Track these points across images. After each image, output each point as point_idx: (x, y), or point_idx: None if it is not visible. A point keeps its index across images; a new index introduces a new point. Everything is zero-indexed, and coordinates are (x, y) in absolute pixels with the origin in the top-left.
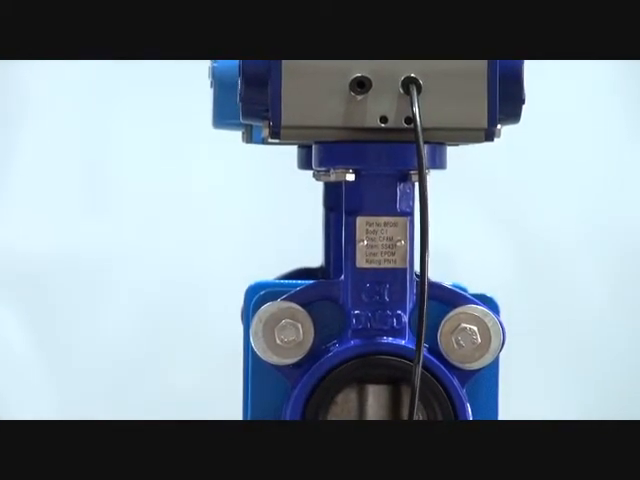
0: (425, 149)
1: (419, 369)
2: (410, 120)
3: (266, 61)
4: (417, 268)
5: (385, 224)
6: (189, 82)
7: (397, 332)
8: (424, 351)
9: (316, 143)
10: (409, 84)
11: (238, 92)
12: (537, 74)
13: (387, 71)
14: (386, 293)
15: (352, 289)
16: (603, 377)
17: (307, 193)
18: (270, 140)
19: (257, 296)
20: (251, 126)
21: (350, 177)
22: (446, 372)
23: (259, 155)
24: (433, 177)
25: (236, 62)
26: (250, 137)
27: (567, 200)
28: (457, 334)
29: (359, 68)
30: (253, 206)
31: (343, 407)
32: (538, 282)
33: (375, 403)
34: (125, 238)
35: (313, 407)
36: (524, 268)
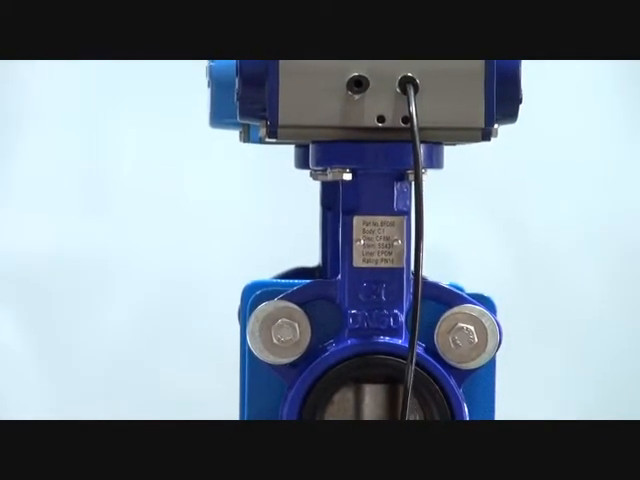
0: (422, 148)
1: (412, 368)
2: (407, 119)
3: (264, 61)
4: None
5: (382, 223)
6: (187, 82)
7: (394, 331)
8: (421, 351)
9: (313, 142)
10: (406, 84)
11: (235, 91)
12: (536, 74)
13: (384, 70)
14: (383, 292)
15: (349, 288)
16: (602, 377)
17: (304, 192)
18: (267, 139)
19: (254, 295)
20: (248, 125)
21: (347, 176)
22: (443, 372)
23: (256, 154)
24: (430, 176)
25: (233, 62)
26: (247, 136)
27: (565, 200)
28: (454, 334)
29: (356, 67)
30: (250, 205)
31: (340, 407)
32: (536, 282)
33: (372, 402)
34: (122, 238)
35: (310, 407)
36: (522, 268)
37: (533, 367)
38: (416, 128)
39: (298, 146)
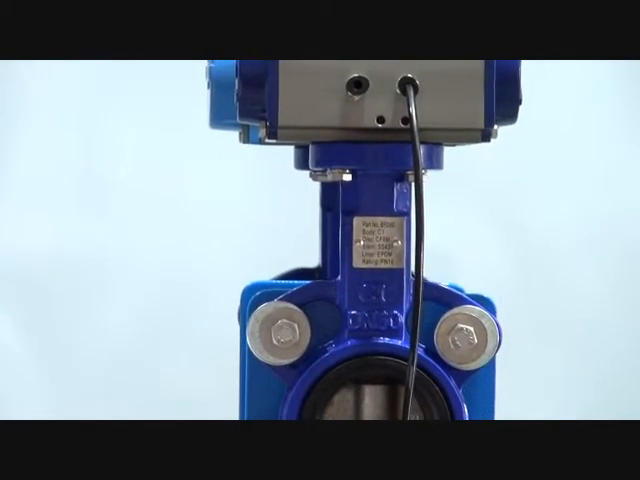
0: (422, 149)
1: (413, 369)
2: (407, 120)
3: (263, 61)
4: (414, 268)
5: (382, 224)
6: (187, 82)
7: (394, 332)
8: (421, 352)
9: (313, 143)
10: (406, 84)
11: (235, 92)
12: (536, 74)
13: (384, 71)
14: (383, 293)
15: (349, 289)
16: (602, 377)
17: (304, 193)
18: (267, 140)
19: (254, 296)
20: (248, 126)
21: (347, 177)
22: (443, 372)
23: (256, 155)
24: (430, 177)
25: (233, 62)
26: (247, 137)
27: (565, 200)
28: (454, 335)
29: (356, 68)
30: (250, 206)
31: (339, 407)
32: (536, 282)
33: (372, 403)
34: (122, 238)
35: (310, 407)
36: (522, 268)
37: (533, 367)
38: (416, 129)
39: (298, 147)
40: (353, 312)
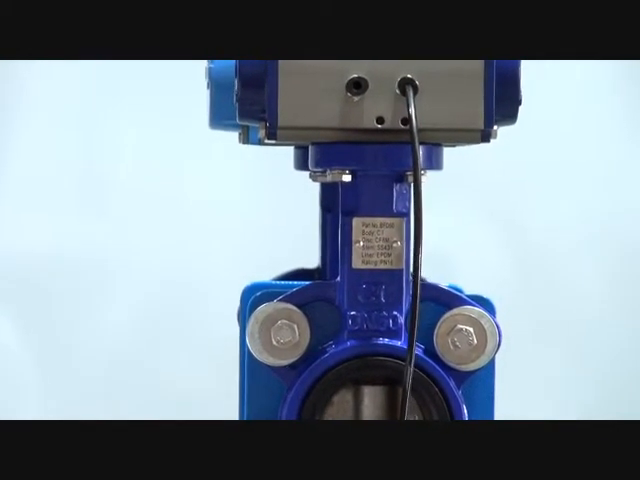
0: (421, 150)
1: (411, 369)
2: (406, 121)
3: (263, 62)
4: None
5: (381, 225)
6: (187, 82)
7: (393, 333)
8: (420, 352)
9: (312, 144)
10: (405, 85)
11: (235, 93)
12: (535, 75)
13: (383, 72)
14: (382, 294)
15: (348, 290)
16: (602, 377)
17: (304, 194)
18: (267, 141)
19: (253, 297)
20: (248, 127)
21: (346, 178)
22: (442, 373)
23: (256, 156)
24: (430, 178)
25: (232, 63)
26: (247, 138)
27: (565, 200)
28: (453, 335)
29: (356, 69)
30: (250, 207)
31: (339, 408)
32: (535, 283)
33: (371, 404)
34: (122, 238)
35: (309, 408)
36: (521, 269)
37: (533, 368)
38: (415, 130)
39: (297, 147)
40: (352, 313)
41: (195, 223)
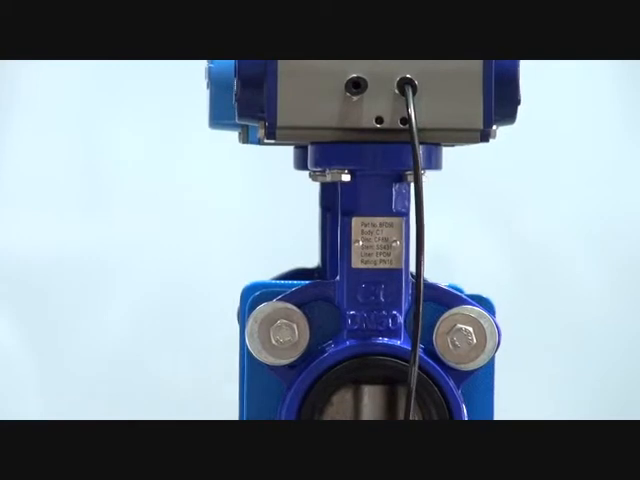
0: (421, 150)
1: (415, 370)
2: (405, 121)
3: (262, 62)
4: (412, 269)
5: (380, 225)
6: (187, 82)
7: (392, 333)
8: (420, 352)
9: (312, 144)
10: (405, 85)
11: (234, 93)
12: (536, 75)
13: (383, 72)
14: (381, 294)
15: (347, 290)
16: (602, 377)
17: (304, 193)
18: (266, 140)
19: (253, 296)
20: (247, 126)
21: (346, 178)
22: (442, 373)
23: (256, 155)
24: (429, 178)
25: (232, 63)
26: (247, 137)
27: (564, 200)
28: (453, 335)
29: (355, 69)
30: (249, 206)
31: (338, 408)
32: (535, 282)
33: (370, 403)
34: (122, 238)
35: (308, 408)
36: (521, 269)
37: (532, 367)
38: (415, 129)
39: (297, 147)
40: (352, 312)
41: (195, 222)
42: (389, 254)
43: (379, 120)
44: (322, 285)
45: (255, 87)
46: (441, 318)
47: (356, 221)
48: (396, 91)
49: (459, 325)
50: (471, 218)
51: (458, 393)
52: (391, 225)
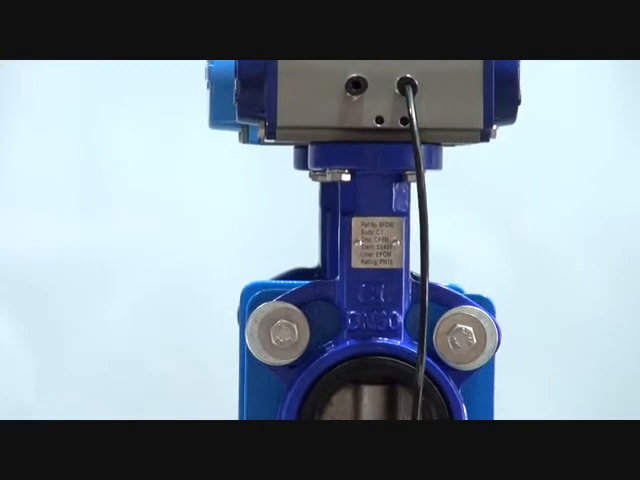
0: (422, 149)
1: (422, 369)
2: (406, 120)
3: (262, 62)
4: (413, 269)
5: (381, 224)
6: (186, 82)
7: (392, 333)
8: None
9: (312, 143)
10: (405, 85)
11: (234, 92)
12: (536, 75)
13: (383, 72)
14: (382, 294)
15: (348, 289)
16: (602, 377)
17: (304, 193)
18: (266, 140)
19: (253, 296)
20: (247, 126)
21: (346, 177)
22: (442, 373)
23: (256, 155)
24: (429, 177)
25: (232, 63)
26: (247, 137)
27: (564, 200)
28: (453, 335)
29: (355, 68)
30: (249, 206)
31: (338, 408)
32: (535, 282)
33: (370, 403)
34: (122, 238)
35: (308, 408)
36: (521, 269)
37: (532, 367)
38: (416, 129)
39: (297, 147)
40: (352, 312)
41: (195, 223)
42: (389, 254)
43: (379, 120)
44: (322, 285)
45: (255, 87)
46: (441, 318)
47: (356, 221)
48: (396, 91)
49: (459, 325)
50: (471, 218)
51: (458, 393)
52: (391, 225)
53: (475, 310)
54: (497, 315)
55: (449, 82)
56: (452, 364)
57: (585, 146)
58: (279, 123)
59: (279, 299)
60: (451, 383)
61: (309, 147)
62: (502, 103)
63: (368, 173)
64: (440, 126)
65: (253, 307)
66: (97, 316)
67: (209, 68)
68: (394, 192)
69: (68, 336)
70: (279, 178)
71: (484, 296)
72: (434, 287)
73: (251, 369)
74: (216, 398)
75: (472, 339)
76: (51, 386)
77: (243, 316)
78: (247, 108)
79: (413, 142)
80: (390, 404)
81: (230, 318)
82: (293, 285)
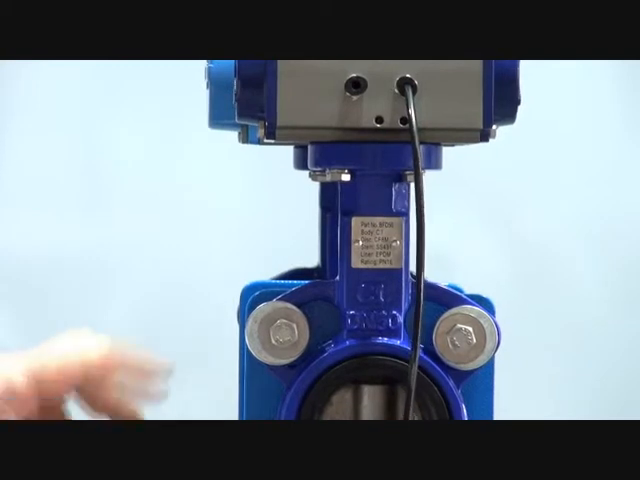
0: (420, 149)
1: (415, 368)
2: (405, 120)
3: (262, 61)
4: (413, 269)
5: (380, 224)
6: (186, 82)
7: (392, 332)
8: (419, 352)
9: (312, 143)
10: (404, 85)
11: (234, 93)
12: (536, 75)
13: (382, 71)
14: (381, 293)
15: (347, 289)
16: (602, 377)
17: (304, 193)
18: (266, 140)
19: (253, 296)
20: (247, 126)
21: (346, 177)
22: (441, 372)
23: (256, 155)
24: (429, 178)
25: (231, 63)
26: (246, 137)
27: (564, 200)
28: (452, 334)
29: (354, 68)
30: (249, 206)
31: (338, 408)
32: (535, 283)
33: (370, 404)
34: (120, 238)
35: (308, 408)
36: (521, 269)
37: (532, 368)
38: (415, 129)
39: (297, 147)
40: (352, 312)
41: (194, 223)
42: (389, 254)
43: (379, 120)
44: (322, 285)
45: (255, 87)
46: (441, 318)
47: (356, 221)
48: (396, 91)
49: (459, 325)
50: (471, 218)
51: (458, 393)
52: (391, 225)
53: (475, 310)
54: (497, 315)
55: (449, 82)
56: (452, 364)
57: (585, 146)
58: (279, 123)
59: (279, 299)
60: (451, 383)
61: (309, 147)
62: (502, 103)
63: (368, 173)
64: (440, 126)
65: (253, 307)
66: (97, 316)
67: (209, 68)
68: (394, 192)
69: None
70: (279, 178)
71: (484, 296)
72: (434, 287)
73: (251, 369)
74: (216, 398)
75: (472, 339)
76: None
77: (243, 316)
78: (247, 108)
79: (412, 142)
80: (390, 404)
81: (230, 318)
82: (293, 285)
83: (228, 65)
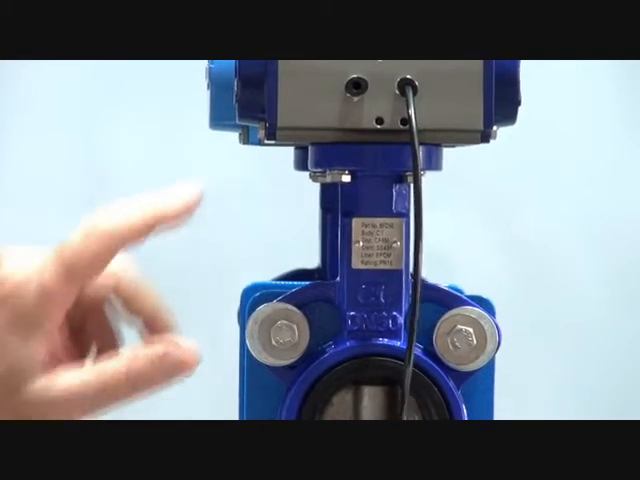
0: (421, 150)
1: (410, 369)
2: (406, 121)
3: (262, 62)
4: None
5: (381, 225)
6: (186, 82)
7: (393, 333)
8: (420, 352)
9: (312, 144)
10: (405, 86)
11: (234, 93)
12: (536, 75)
13: (383, 72)
14: (382, 294)
15: (348, 290)
16: (602, 377)
17: (304, 194)
18: (266, 141)
19: (253, 297)
20: (248, 127)
21: (346, 178)
22: (442, 373)
23: (256, 156)
24: (429, 178)
25: (232, 63)
26: (247, 138)
27: (564, 201)
28: (453, 335)
29: (355, 69)
30: (250, 207)
31: (339, 408)
32: (535, 283)
33: (370, 404)
34: None
35: (309, 408)
36: (521, 270)
37: (532, 368)
38: (415, 130)
39: (297, 148)
40: (352, 313)
41: (194, 223)
42: (389, 255)
43: (379, 121)
44: (322, 286)
45: (255, 87)
46: (441, 319)
47: (356, 222)
48: (396, 92)
49: (459, 326)
50: (471, 219)
51: (458, 394)
52: (391, 226)
53: (475, 311)
54: (497, 316)
55: (449, 83)
56: (452, 365)
57: (585, 146)
58: (279, 124)
59: (279, 300)
60: (451, 384)
61: (309, 148)
62: (502, 104)
63: (368, 174)
64: (440, 127)
65: (253, 308)
66: None
67: (209, 68)
68: (394, 193)
69: None
70: (279, 179)
71: (484, 297)
72: (434, 288)
73: (251, 370)
74: (217, 398)
75: (472, 340)
76: None
77: (243, 317)
78: (247, 109)
79: (412, 143)
80: (390, 404)
81: (230, 319)
82: (293, 286)
83: (229, 65)
